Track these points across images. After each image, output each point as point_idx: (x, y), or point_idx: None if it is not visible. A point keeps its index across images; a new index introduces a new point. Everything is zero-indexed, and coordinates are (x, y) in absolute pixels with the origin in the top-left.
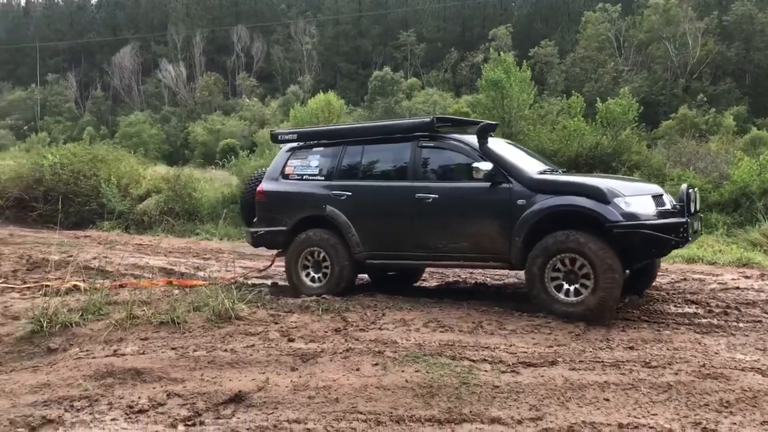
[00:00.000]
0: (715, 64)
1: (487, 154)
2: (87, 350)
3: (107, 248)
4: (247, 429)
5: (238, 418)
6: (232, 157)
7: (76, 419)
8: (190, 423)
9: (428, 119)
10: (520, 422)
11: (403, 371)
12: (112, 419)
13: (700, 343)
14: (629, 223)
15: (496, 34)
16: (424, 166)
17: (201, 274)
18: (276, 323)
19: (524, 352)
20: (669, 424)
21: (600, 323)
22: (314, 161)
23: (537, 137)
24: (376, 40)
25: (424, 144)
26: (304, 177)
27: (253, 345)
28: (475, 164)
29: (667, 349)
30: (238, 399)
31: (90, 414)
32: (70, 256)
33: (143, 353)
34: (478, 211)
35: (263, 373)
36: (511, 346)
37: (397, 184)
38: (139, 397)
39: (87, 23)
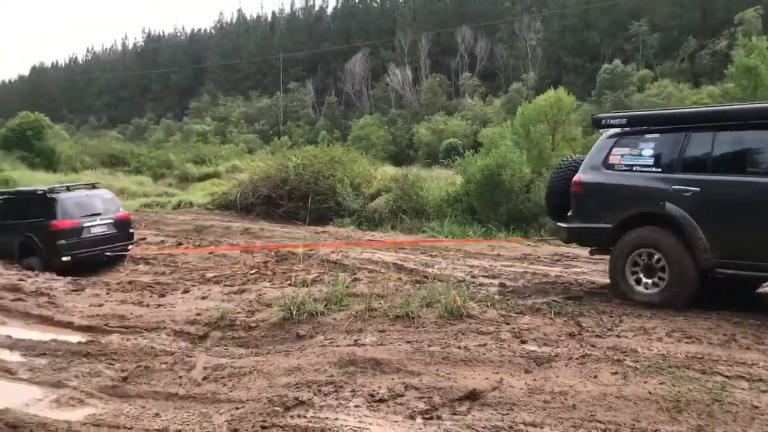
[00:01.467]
0: None
1: None
2: (331, 338)
3: (343, 243)
4: (483, 427)
5: (474, 415)
6: (456, 156)
7: (324, 403)
8: (427, 416)
9: None
10: None
11: (645, 382)
12: (356, 406)
13: None
14: None
15: (743, 17)
16: None
17: (429, 270)
18: (507, 324)
19: None
20: None
21: None
22: (647, 150)
23: None
24: (604, 32)
25: None
26: (633, 168)
27: (485, 344)
28: None
29: None
30: (473, 396)
31: (336, 399)
32: (312, 249)
33: (381, 344)
34: None
35: (497, 373)
36: None
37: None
38: (379, 387)
39: (323, 33)
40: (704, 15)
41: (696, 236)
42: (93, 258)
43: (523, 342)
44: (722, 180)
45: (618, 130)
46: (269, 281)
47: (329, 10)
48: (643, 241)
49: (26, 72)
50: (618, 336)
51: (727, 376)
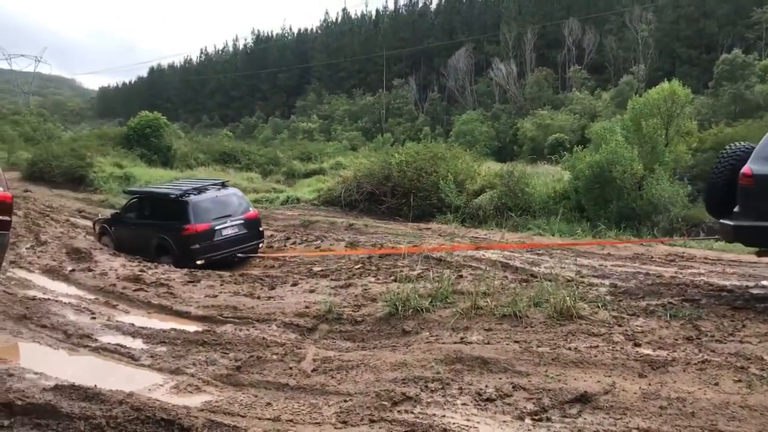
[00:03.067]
0: None
1: None
2: (436, 335)
3: (447, 240)
4: (594, 431)
5: (585, 419)
6: (563, 152)
7: (430, 399)
8: (536, 417)
9: None
10: None
11: None
12: (463, 404)
13: None
14: None
15: None
16: None
17: (536, 269)
18: (619, 326)
19: None
20: None
21: None
22: None
23: None
24: (722, 21)
25: None
26: None
27: (596, 346)
28: None
29: None
30: (583, 399)
31: (443, 396)
32: (416, 246)
33: (488, 343)
34: None
35: (609, 376)
36: None
37: None
38: (487, 386)
39: (426, 29)
40: None
41: None
42: (225, 259)
43: (637, 345)
44: None
45: None
46: (374, 276)
47: (433, 6)
48: None
49: (145, 74)
50: (741, 341)
51: None
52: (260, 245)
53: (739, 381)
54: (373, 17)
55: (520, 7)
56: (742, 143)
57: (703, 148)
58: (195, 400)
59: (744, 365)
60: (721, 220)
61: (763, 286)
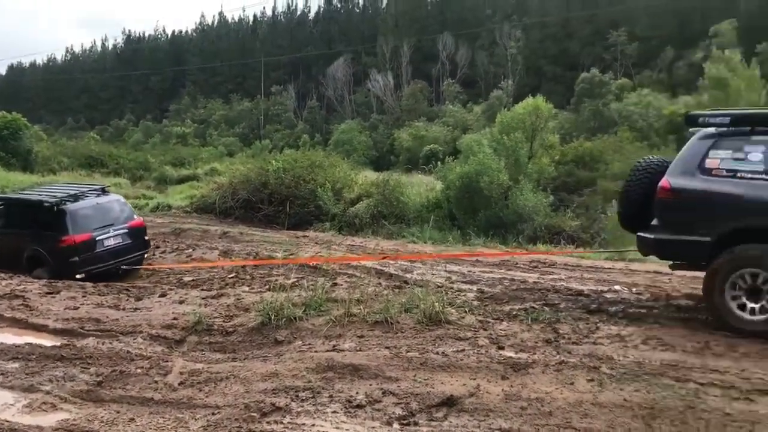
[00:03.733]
0: None
1: None
2: (309, 344)
3: (324, 248)
4: None
5: (450, 422)
6: (436, 162)
7: (301, 409)
8: (404, 422)
9: None
10: None
11: (621, 389)
12: (333, 412)
13: None
14: None
15: (719, 29)
16: None
17: (408, 276)
18: (485, 330)
19: (760, 378)
20: None
21: None
22: (756, 154)
23: None
24: (584, 41)
25: None
26: (738, 174)
27: (463, 350)
28: None
29: None
30: (450, 403)
31: (313, 405)
32: (292, 254)
33: (360, 350)
34: None
35: (474, 379)
36: (744, 370)
37: None
38: (357, 393)
39: (305, 38)
40: (681, 26)
41: None
42: (108, 272)
43: (501, 348)
44: None
45: (714, 130)
46: (248, 285)
47: (311, 15)
48: (748, 260)
49: (3, 71)
50: (594, 343)
51: (700, 384)
52: (145, 256)
53: (592, 380)
54: (251, 22)
55: (397, 21)
56: (655, 157)
57: (564, 160)
58: (50, 419)
59: (596, 365)
60: (639, 234)
61: (616, 291)
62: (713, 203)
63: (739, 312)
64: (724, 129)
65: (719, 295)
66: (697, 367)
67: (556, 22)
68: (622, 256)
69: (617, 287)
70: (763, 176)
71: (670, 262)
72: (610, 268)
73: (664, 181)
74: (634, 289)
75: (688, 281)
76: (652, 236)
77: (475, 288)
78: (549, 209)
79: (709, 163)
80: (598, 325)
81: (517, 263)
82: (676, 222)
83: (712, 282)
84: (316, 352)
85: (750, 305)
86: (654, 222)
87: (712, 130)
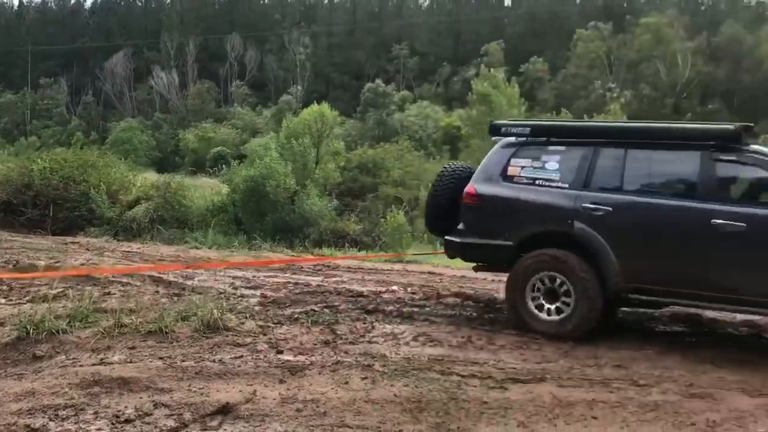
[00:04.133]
0: (704, 84)
1: None
2: (74, 358)
3: (96, 255)
4: None
5: (225, 429)
6: (223, 165)
7: (60, 428)
8: None
9: (733, 127)
10: None
11: (392, 385)
12: (98, 429)
13: (688, 362)
14: None
15: (489, 50)
16: (722, 185)
17: (189, 283)
18: (264, 334)
19: (513, 368)
20: None
21: None
22: (552, 163)
23: None
24: (369, 52)
25: (720, 157)
26: (537, 182)
27: (241, 356)
28: None
29: (655, 367)
30: (225, 411)
31: (75, 423)
32: (58, 262)
33: (131, 362)
34: None
35: (251, 385)
36: (500, 361)
37: (683, 204)
38: (126, 407)
39: (80, 28)
40: (456, 44)
41: (608, 259)
42: None
43: (279, 352)
44: (636, 201)
45: (514, 139)
46: (4, 297)
47: (87, 4)
48: (546, 263)
49: None
50: (369, 342)
51: (462, 376)
52: None
53: (366, 378)
54: (16, 7)
55: (182, 17)
56: (459, 163)
57: (350, 166)
58: None
59: (370, 363)
60: (447, 237)
61: (393, 291)
62: (515, 209)
63: (537, 312)
64: (524, 139)
65: (519, 296)
66: (460, 361)
67: (342, 31)
68: (400, 258)
69: (394, 288)
70: (559, 184)
71: (472, 264)
72: (389, 270)
73: (470, 187)
74: (409, 289)
75: (457, 280)
76: (458, 240)
77: (258, 293)
78: (334, 213)
79: (511, 170)
80: (374, 324)
81: (302, 267)
82: (480, 226)
83: (513, 284)
84: (81, 366)
85: (547, 306)
86: (460, 226)
87: (513, 139)
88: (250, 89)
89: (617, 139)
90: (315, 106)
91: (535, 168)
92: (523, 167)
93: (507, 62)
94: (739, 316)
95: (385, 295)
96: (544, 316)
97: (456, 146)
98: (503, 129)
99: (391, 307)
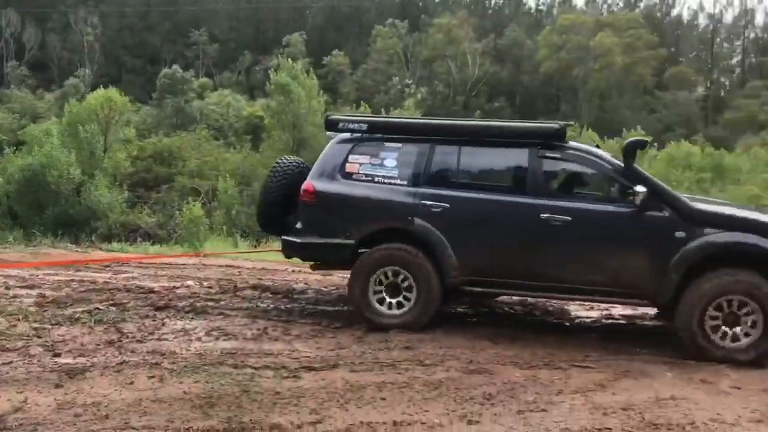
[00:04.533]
0: (491, 83)
1: (636, 176)
2: None
3: None
4: None
5: None
6: None
7: None
8: None
9: (558, 125)
10: (299, 427)
11: (181, 383)
12: None
13: (470, 341)
14: None
15: (290, 40)
16: (548, 181)
17: None
18: (39, 337)
19: (307, 356)
20: (439, 418)
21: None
22: (390, 160)
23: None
24: (165, 37)
25: (546, 154)
26: (376, 179)
27: (10, 362)
28: (637, 188)
29: (440, 347)
30: None
31: None
32: None
33: None
34: (624, 240)
35: (21, 392)
36: (294, 351)
37: (515, 200)
38: None
39: None
40: (258, 32)
41: (446, 254)
42: None
43: (57, 355)
44: (472, 197)
45: (351, 135)
46: None
47: None
48: (389, 259)
49: None
50: (159, 339)
51: (255, 368)
52: None
53: (153, 377)
54: None
55: None
56: (291, 158)
57: (143, 155)
58: None
59: (158, 361)
60: (285, 237)
61: (188, 286)
62: (355, 207)
63: (379, 307)
64: (360, 135)
65: (362, 291)
66: (254, 353)
67: (135, 13)
68: (197, 251)
69: (189, 282)
70: (397, 181)
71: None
72: (184, 264)
73: (308, 184)
74: (205, 283)
75: (256, 273)
76: (298, 240)
77: (35, 293)
78: (125, 206)
79: (349, 167)
80: (165, 321)
81: (88, 264)
82: (320, 225)
83: (356, 280)
84: None
85: (389, 300)
86: (298, 225)
87: (350, 135)
88: (30, 70)
89: (451, 136)
90: (101, 91)
91: (373, 165)
92: (361, 164)
93: (309, 54)
94: (516, 297)
95: (179, 291)
96: (386, 310)
97: (259, 136)
98: (340, 124)
99: (184, 303)
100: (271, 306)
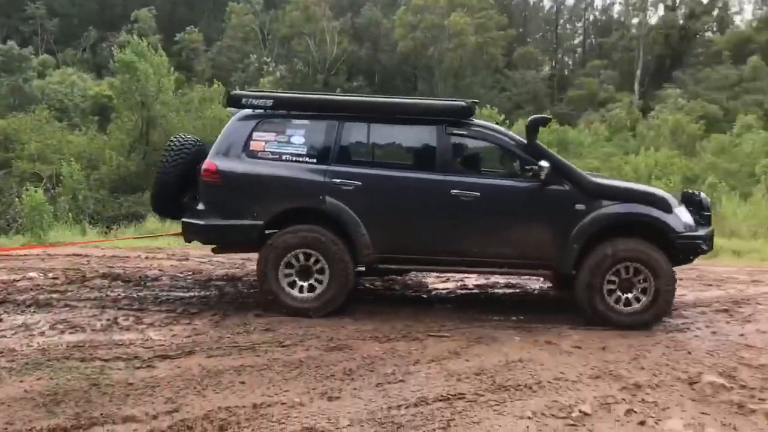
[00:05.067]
0: (350, 62)
1: (538, 152)
2: None
3: None
4: None
5: None
6: None
7: None
8: None
9: (465, 103)
10: (155, 417)
11: (21, 381)
12: None
13: (329, 319)
14: (689, 234)
15: (138, 16)
16: (456, 157)
17: None
18: None
19: (161, 345)
20: (299, 397)
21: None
22: (297, 138)
23: (180, 124)
24: None
25: (453, 131)
26: (283, 157)
27: None
28: (541, 163)
29: (300, 327)
30: None
31: None
32: None
33: None
34: (529, 214)
35: None
36: (147, 340)
37: (426, 177)
38: None
39: None
40: (103, 8)
41: (359, 233)
42: None
43: None
44: (383, 175)
45: (252, 111)
46: None
47: None
48: (300, 241)
49: None
50: None
51: (105, 360)
52: None
53: None
54: None
55: None
56: (188, 136)
57: None
58: None
59: None
60: (185, 220)
61: (30, 278)
62: (262, 186)
63: (290, 290)
64: (264, 111)
65: (272, 276)
66: (104, 344)
67: None
68: (41, 241)
69: (32, 274)
70: (305, 159)
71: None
72: (26, 255)
73: (210, 164)
74: (50, 274)
75: (106, 261)
76: (200, 222)
77: None
78: None
79: (254, 145)
80: (2, 317)
81: None
82: (224, 206)
83: (265, 264)
84: None
85: (300, 283)
86: (200, 207)
87: (251, 111)
88: None
89: (359, 113)
90: None
91: (279, 142)
92: (267, 141)
93: (160, 30)
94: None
95: (20, 284)
96: (296, 293)
97: (107, 117)
98: (243, 100)
99: (25, 296)
100: (123, 295)
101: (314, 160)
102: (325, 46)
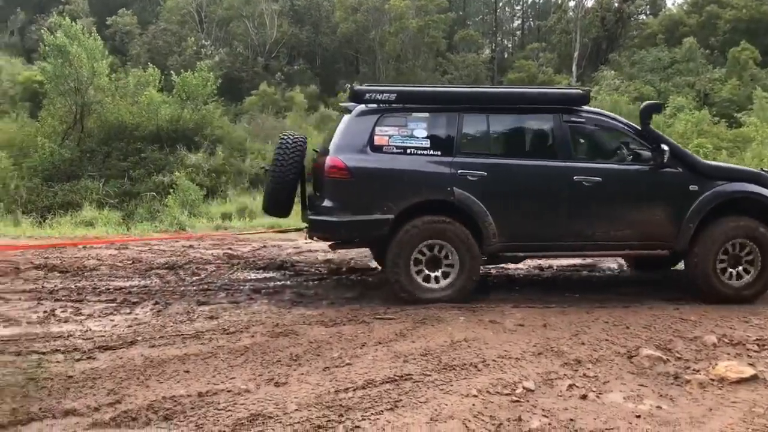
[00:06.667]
0: (290, 45)
1: (653, 136)
2: None
3: None
4: None
5: None
6: None
7: None
8: None
9: (582, 91)
10: (97, 409)
11: None
12: None
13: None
14: None
15: None
16: (575, 145)
17: None
18: None
19: (102, 336)
20: (245, 384)
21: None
22: (420, 131)
23: (116, 110)
24: None
25: (570, 119)
26: (407, 151)
27: None
28: (662, 146)
29: (245, 314)
30: None
31: None
32: None
33: None
34: (648, 197)
35: None
36: (87, 331)
37: (548, 164)
38: None
39: None
40: None
41: (486, 222)
42: None
43: None
44: (507, 164)
45: (375, 106)
46: None
47: None
48: (429, 232)
49: None
50: None
51: (43, 353)
52: None
53: None
54: None
55: None
56: (296, 134)
57: None
58: None
59: None
60: (314, 217)
61: None
62: (392, 180)
63: (423, 283)
64: (387, 106)
65: (404, 267)
66: (41, 337)
67: None
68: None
69: None
70: (430, 152)
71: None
72: None
73: (335, 161)
74: None
75: (42, 251)
76: (333, 219)
77: None
78: None
79: (378, 140)
80: None
81: None
82: (355, 202)
83: (397, 256)
84: None
85: (431, 274)
86: (327, 203)
87: (372, 106)
88: None
89: (478, 104)
90: None
91: (403, 136)
92: (390, 136)
93: (93, 13)
94: (320, 257)
95: None
96: (430, 284)
97: (39, 103)
98: (368, 95)
99: None
100: (60, 286)
101: (438, 152)
102: (265, 29)
